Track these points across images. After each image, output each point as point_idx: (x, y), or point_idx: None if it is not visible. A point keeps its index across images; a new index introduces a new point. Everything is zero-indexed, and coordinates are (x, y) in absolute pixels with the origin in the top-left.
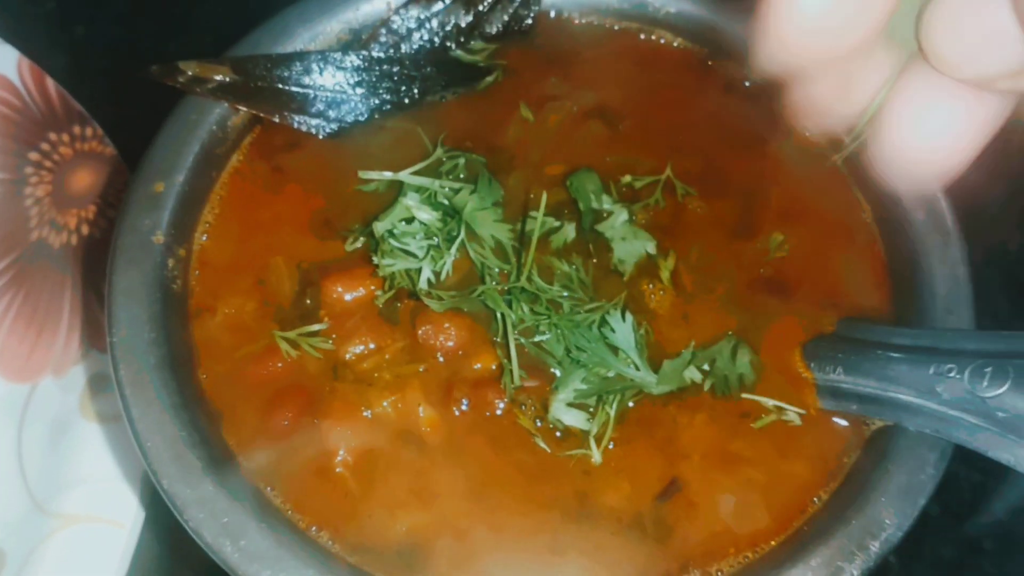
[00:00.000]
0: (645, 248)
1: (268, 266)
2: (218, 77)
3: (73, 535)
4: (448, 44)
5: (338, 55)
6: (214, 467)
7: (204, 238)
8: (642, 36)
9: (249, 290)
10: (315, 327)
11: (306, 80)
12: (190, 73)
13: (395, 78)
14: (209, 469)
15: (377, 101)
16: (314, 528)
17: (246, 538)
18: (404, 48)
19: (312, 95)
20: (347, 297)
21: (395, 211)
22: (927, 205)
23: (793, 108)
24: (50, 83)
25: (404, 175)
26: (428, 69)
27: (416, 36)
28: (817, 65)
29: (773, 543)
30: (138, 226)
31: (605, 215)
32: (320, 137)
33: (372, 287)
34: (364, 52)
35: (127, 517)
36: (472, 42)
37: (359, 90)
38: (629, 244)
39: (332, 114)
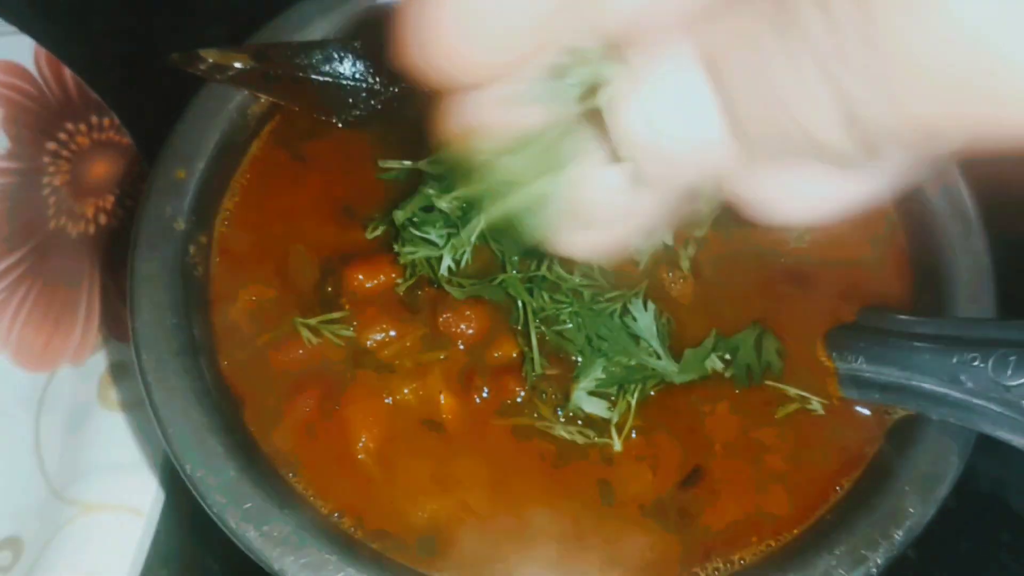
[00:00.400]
0: (661, 237)
1: (289, 254)
2: (238, 65)
3: (91, 522)
4: None
5: (358, 44)
6: (236, 453)
7: (225, 225)
8: None
9: (270, 277)
10: (336, 315)
11: (326, 68)
12: (210, 61)
13: None
14: (231, 455)
15: (397, 90)
16: (336, 514)
17: (269, 523)
18: None
19: (332, 83)
20: (368, 285)
21: (415, 199)
22: (948, 194)
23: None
24: (67, 73)
25: (424, 163)
26: None
27: None
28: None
29: (795, 532)
30: (160, 213)
31: None
32: (340, 126)
33: (393, 275)
34: None
35: (145, 504)
36: None
37: (379, 78)
38: None
39: (352, 102)
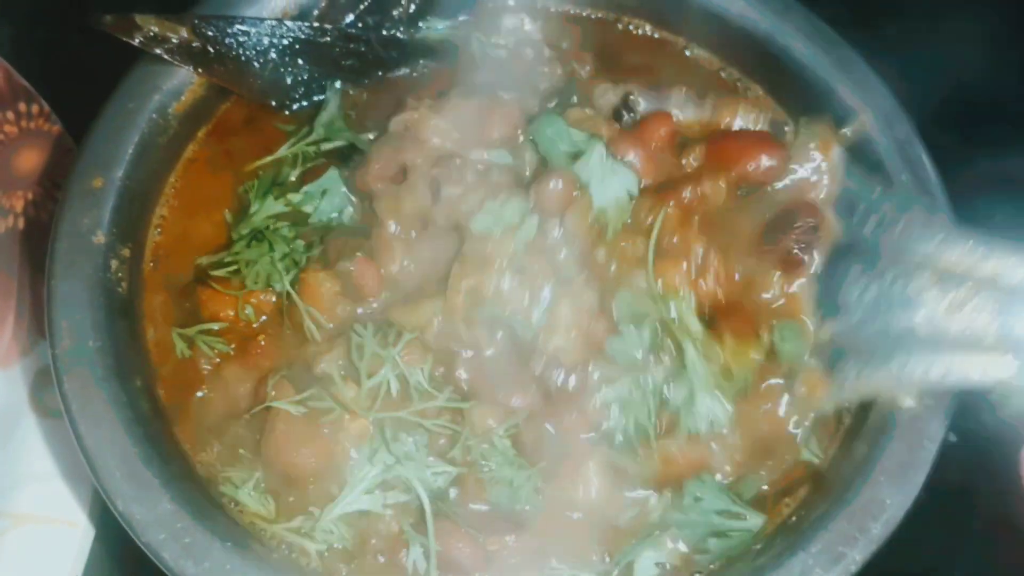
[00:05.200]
0: (626, 188)
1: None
2: (175, 39)
3: (24, 535)
4: (412, 20)
5: (296, 25)
6: (173, 484)
7: (158, 232)
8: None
9: None
10: (215, 326)
11: (272, 54)
12: (147, 29)
13: (359, 54)
14: (167, 486)
15: (340, 77)
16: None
17: (210, 559)
18: (371, 21)
19: (276, 67)
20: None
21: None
22: (911, 167)
23: None
24: None
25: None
26: (393, 53)
27: (372, 17)
28: None
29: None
30: (76, 226)
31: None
32: (278, 112)
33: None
34: (330, 26)
35: (80, 516)
36: (428, 19)
37: (318, 64)
38: (608, 184)
39: (294, 91)
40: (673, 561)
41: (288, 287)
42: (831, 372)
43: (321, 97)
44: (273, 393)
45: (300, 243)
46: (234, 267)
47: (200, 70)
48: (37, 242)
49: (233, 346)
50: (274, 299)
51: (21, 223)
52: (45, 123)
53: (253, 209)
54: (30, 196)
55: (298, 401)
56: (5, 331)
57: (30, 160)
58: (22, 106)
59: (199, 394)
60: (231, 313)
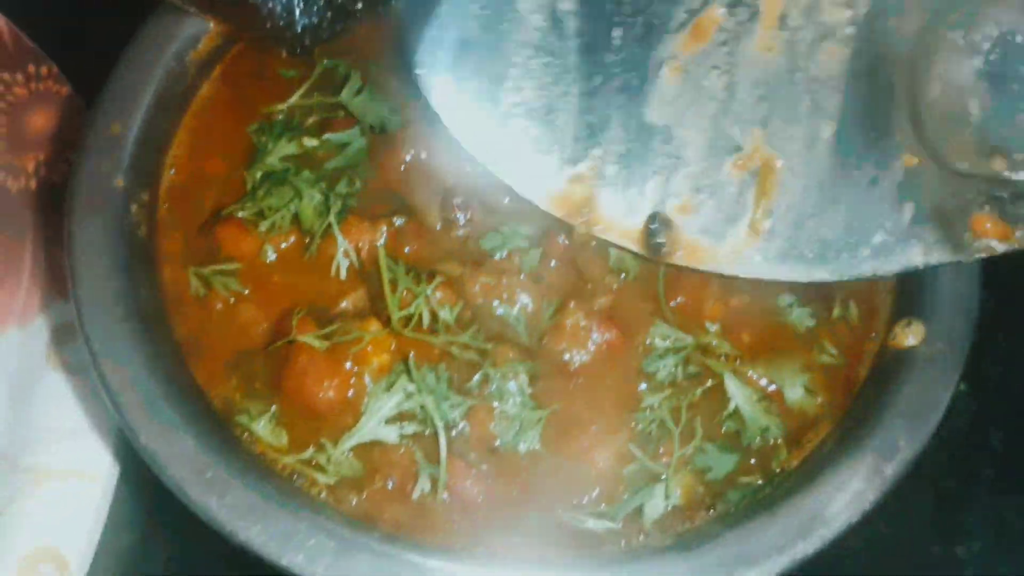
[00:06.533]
0: None
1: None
2: None
3: (46, 490)
4: None
5: None
6: (194, 420)
7: (172, 172)
8: None
9: None
10: (231, 266)
11: None
12: None
13: None
14: (189, 423)
15: (347, 14)
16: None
17: (232, 493)
18: None
19: (280, 10)
20: None
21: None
22: None
23: None
24: (1, 20)
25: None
26: None
27: None
28: None
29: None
30: (96, 171)
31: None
32: (285, 54)
33: None
34: None
35: (101, 469)
36: None
37: (327, 7)
38: None
39: (299, 31)
40: (680, 502)
41: (335, 226)
42: None
43: (329, 34)
44: (296, 329)
45: (323, 185)
46: (256, 209)
47: (207, 14)
48: (49, 202)
49: (249, 287)
50: (292, 240)
51: (33, 184)
52: (54, 84)
53: (268, 149)
54: (41, 157)
55: (322, 336)
56: (21, 289)
57: (40, 122)
58: (31, 68)
59: (215, 331)
60: (249, 252)
